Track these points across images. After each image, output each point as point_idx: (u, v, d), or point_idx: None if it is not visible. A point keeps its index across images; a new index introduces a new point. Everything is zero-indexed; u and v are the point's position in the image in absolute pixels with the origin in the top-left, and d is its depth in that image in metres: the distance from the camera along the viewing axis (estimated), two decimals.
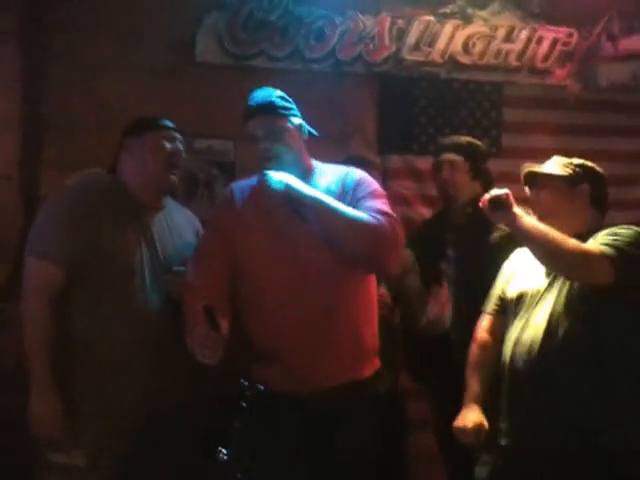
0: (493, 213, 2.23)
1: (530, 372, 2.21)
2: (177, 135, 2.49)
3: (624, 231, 2.22)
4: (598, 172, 2.43)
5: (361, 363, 2.26)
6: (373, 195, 2.25)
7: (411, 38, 3.72)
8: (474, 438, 2.27)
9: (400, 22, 3.70)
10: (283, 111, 2.30)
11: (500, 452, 2.32)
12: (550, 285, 2.27)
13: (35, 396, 2.24)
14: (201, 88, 3.46)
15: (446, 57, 3.78)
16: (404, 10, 3.73)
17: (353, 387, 2.20)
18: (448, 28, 3.76)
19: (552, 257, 2.20)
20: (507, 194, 2.21)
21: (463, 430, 2.28)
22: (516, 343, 2.26)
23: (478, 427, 2.27)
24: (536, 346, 2.19)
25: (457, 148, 2.91)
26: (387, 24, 3.68)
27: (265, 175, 2.19)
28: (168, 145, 2.44)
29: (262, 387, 2.13)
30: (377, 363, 2.33)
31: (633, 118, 4.09)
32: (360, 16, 3.64)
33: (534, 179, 2.38)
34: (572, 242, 2.16)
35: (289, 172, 2.22)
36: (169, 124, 2.50)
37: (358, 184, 2.28)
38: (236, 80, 3.42)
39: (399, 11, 3.72)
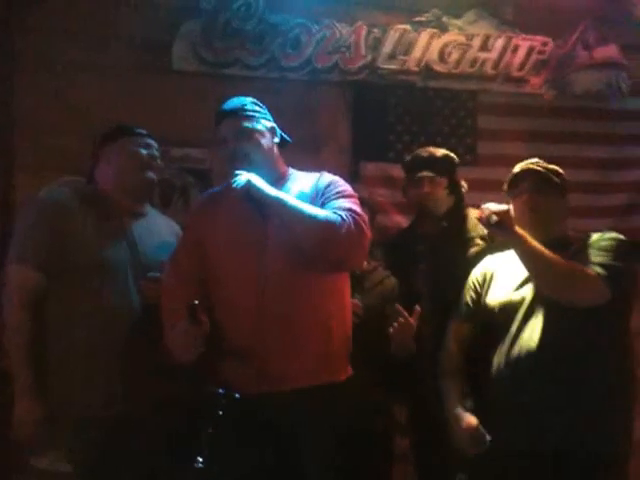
0: (494, 229, 2.25)
1: (528, 385, 2.22)
2: (152, 142, 2.53)
3: (609, 243, 2.25)
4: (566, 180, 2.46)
5: (332, 365, 2.26)
6: (341, 195, 2.25)
7: (387, 47, 3.74)
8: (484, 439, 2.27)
9: (376, 31, 3.73)
10: (253, 113, 2.33)
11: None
12: (536, 295, 2.28)
13: (18, 400, 2.25)
14: (177, 95, 3.46)
15: (422, 66, 3.80)
16: (380, 19, 3.76)
17: (324, 389, 2.19)
18: (424, 37, 3.79)
19: (551, 279, 2.22)
20: (508, 210, 2.22)
21: (477, 430, 2.28)
22: (508, 355, 2.26)
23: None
24: (531, 359, 2.20)
25: (435, 164, 2.89)
26: (363, 33, 3.70)
27: (235, 175, 2.21)
28: (143, 151, 2.48)
29: (237, 395, 2.12)
30: (349, 369, 2.33)
31: (607, 126, 4.14)
32: (336, 25, 3.65)
33: (526, 182, 2.38)
34: (570, 265, 2.18)
35: (259, 174, 2.23)
36: (143, 132, 2.53)
37: (328, 185, 2.29)
38: (212, 88, 3.43)
39: (375, 20, 3.74)
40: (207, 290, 2.27)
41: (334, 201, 2.22)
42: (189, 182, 3.51)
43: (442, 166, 2.90)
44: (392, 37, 3.74)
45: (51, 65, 3.35)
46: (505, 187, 2.45)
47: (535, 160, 2.43)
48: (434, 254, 2.78)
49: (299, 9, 3.61)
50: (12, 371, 2.28)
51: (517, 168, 2.42)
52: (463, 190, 2.96)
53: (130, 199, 2.48)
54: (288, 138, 2.43)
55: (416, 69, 3.80)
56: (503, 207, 2.22)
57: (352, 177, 3.22)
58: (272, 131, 2.36)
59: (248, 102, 2.35)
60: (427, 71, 3.82)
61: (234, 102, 2.35)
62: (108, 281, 2.34)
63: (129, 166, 2.46)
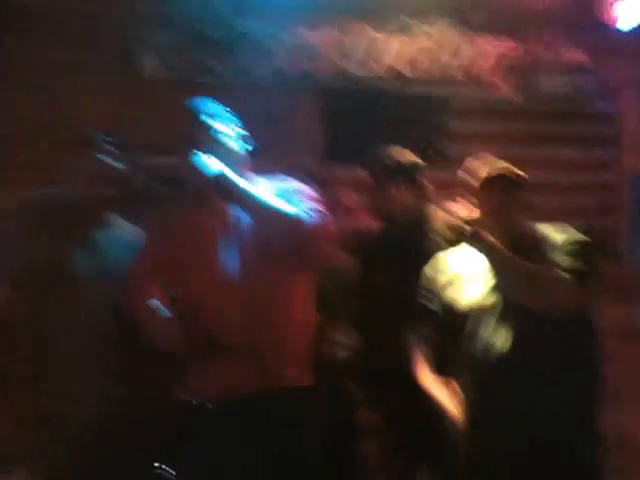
0: (468, 241, 2.28)
1: (500, 389, 2.22)
2: (113, 152, 2.52)
3: (576, 246, 2.26)
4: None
5: (293, 368, 2.26)
6: (306, 198, 2.28)
7: (357, 53, 3.77)
8: None
9: (347, 38, 3.75)
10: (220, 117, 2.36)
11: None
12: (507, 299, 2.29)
13: None
14: (148, 104, 3.45)
15: (392, 72, 3.84)
16: (350, 26, 3.79)
17: (287, 391, 2.20)
18: (394, 43, 3.83)
19: (523, 288, 2.23)
20: (479, 220, 2.26)
21: None
22: (481, 360, 2.26)
23: None
24: (505, 364, 2.21)
25: (404, 171, 2.90)
26: (333, 40, 3.73)
27: (196, 156, 2.18)
28: (99, 166, 2.48)
29: (210, 404, 2.11)
30: (311, 377, 2.33)
31: (576, 127, 4.19)
32: (306, 32, 3.67)
33: (497, 186, 2.38)
34: (542, 273, 2.20)
35: (225, 163, 2.23)
36: (99, 138, 2.52)
37: (295, 190, 2.31)
38: (183, 96, 3.42)
39: (345, 27, 3.77)
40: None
41: (300, 203, 2.24)
42: (162, 191, 3.50)
43: (410, 172, 2.91)
44: (362, 43, 3.77)
45: (24, 76, 3.35)
46: (476, 185, 2.46)
47: (499, 161, 2.43)
48: (401, 257, 2.77)
49: (269, 17, 3.63)
50: None
51: (483, 170, 2.41)
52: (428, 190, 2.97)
53: (92, 210, 2.49)
54: (255, 144, 2.45)
55: (387, 75, 3.84)
56: (473, 214, 2.26)
57: (324, 182, 3.22)
58: (243, 138, 2.39)
59: (214, 108, 2.38)
60: (398, 77, 3.86)
61: (201, 107, 2.37)
62: (76, 293, 2.34)
63: (83, 180, 2.48)
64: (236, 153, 2.34)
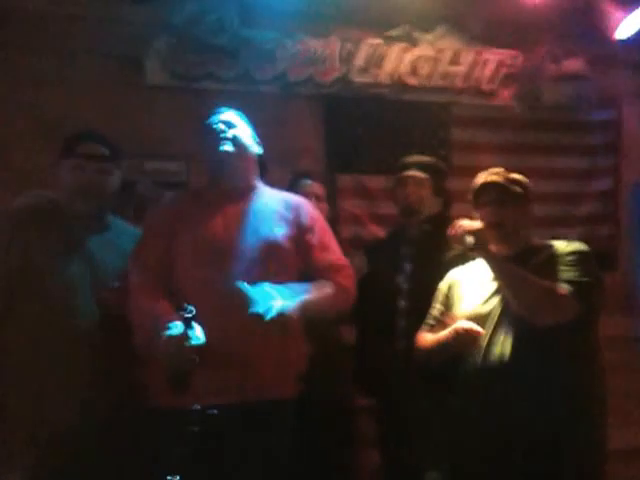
0: (470, 251, 2.29)
1: (497, 398, 2.23)
2: (91, 160, 2.45)
3: (577, 257, 2.27)
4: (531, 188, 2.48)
5: (286, 382, 2.27)
6: (329, 241, 2.40)
7: (359, 60, 3.79)
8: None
9: (349, 45, 3.77)
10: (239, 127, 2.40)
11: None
12: (505, 308, 2.29)
13: None
14: (150, 109, 3.45)
15: (393, 79, 3.86)
16: (353, 33, 3.81)
17: (280, 405, 2.22)
18: (395, 51, 3.84)
19: (526, 300, 2.22)
20: (482, 230, 2.27)
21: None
22: (478, 368, 2.28)
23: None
24: (502, 374, 2.22)
25: (421, 165, 2.95)
26: (336, 47, 3.75)
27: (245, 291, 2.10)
28: (79, 174, 2.42)
29: (215, 411, 2.09)
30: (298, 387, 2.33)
31: (576, 137, 4.21)
32: (309, 39, 3.69)
33: (489, 195, 2.39)
34: (544, 286, 2.19)
35: (230, 178, 2.28)
36: (86, 147, 2.46)
37: (312, 225, 2.39)
38: (185, 102, 3.44)
39: (348, 34, 3.79)
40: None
41: (325, 253, 2.38)
42: (163, 195, 3.50)
43: (427, 167, 2.95)
44: (364, 51, 3.79)
45: (21, 80, 3.34)
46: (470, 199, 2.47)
47: (497, 170, 2.44)
48: (417, 256, 2.81)
49: (272, 23, 3.64)
50: None
51: (479, 180, 2.43)
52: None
53: (77, 219, 2.44)
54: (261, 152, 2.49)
55: (388, 82, 3.86)
56: (476, 225, 2.27)
57: (327, 188, 3.23)
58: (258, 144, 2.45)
59: (233, 117, 2.42)
60: (399, 84, 3.88)
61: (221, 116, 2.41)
62: (65, 298, 2.30)
63: (67, 188, 2.44)
64: (252, 160, 2.38)
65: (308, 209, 2.43)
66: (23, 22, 3.35)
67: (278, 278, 2.18)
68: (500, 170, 2.44)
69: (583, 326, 2.24)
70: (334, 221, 3.62)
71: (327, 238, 2.42)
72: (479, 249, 2.27)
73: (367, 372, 2.86)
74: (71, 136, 2.49)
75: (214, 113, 2.40)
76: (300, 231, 2.35)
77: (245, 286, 2.06)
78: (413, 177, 2.92)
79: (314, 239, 2.36)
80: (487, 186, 2.40)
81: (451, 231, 2.31)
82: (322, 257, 2.35)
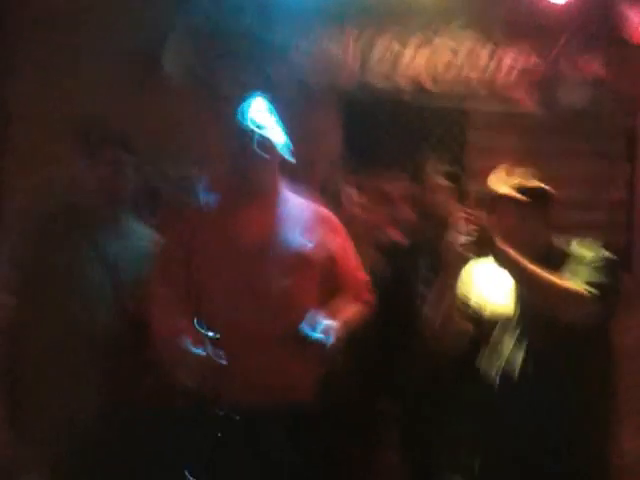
0: (478, 248, 2.27)
1: (517, 399, 2.23)
2: (124, 158, 2.47)
3: (601, 262, 2.27)
4: (551, 192, 2.46)
5: (309, 384, 2.30)
6: (351, 256, 2.45)
7: (377, 63, 3.79)
8: None
9: (366, 48, 3.77)
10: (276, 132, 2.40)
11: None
12: (525, 308, 2.30)
13: None
14: (169, 113, 3.46)
15: (411, 82, 3.85)
16: (370, 36, 3.80)
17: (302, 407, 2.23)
18: (416, 56, 3.84)
19: (541, 295, 2.22)
20: (484, 229, 2.26)
21: None
22: (499, 369, 2.28)
23: None
24: (522, 376, 2.23)
25: (448, 174, 2.97)
26: (353, 49, 3.75)
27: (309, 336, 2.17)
28: (112, 174, 2.44)
29: (237, 417, 2.10)
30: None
31: (593, 142, 4.19)
32: (326, 42, 3.70)
33: (504, 206, 2.38)
34: (561, 283, 2.18)
35: (259, 188, 2.29)
36: (104, 145, 2.47)
37: (337, 241, 2.42)
38: (205, 106, 3.45)
39: (365, 37, 3.78)
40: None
41: (353, 273, 2.44)
42: (179, 194, 3.51)
43: (454, 176, 2.99)
44: (382, 54, 3.79)
45: (44, 74, 3.36)
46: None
47: (515, 179, 2.42)
48: (438, 263, 2.76)
49: (293, 28, 3.65)
50: None
51: (497, 186, 2.42)
52: None
53: (98, 214, 2.46)
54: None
55: (405, 85, 3.85)
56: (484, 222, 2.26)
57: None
58: (288, 149, 2.42)
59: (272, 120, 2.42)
60: (416, 87, 3.87)
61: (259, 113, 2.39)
62: (83, 301, 2.32)
63: (91, 194, 2.45)
64: (278, 162, 2.38)
65: (335, 224, 2.44)
66: (43, 17, 3.38)
67: (302, 289, 2.20)
68: (518, 178, 2.42)
69: (601, 331, 2.25)
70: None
71: (350, 253, 2.45)
72: (488, 246, 2.25)
73: (393, 383, 2.85)
74: (95, 138, 2.49)
75: (244, 103, 2.36)
76: (326, 246, 2.36)
77: (308, 331, 2.13)
78: (438, 184, 2.92)
79: (339, 255, 2.39)
80: (500, 197, 2.39)
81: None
82: (345, 272, 2.39)
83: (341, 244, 2.42)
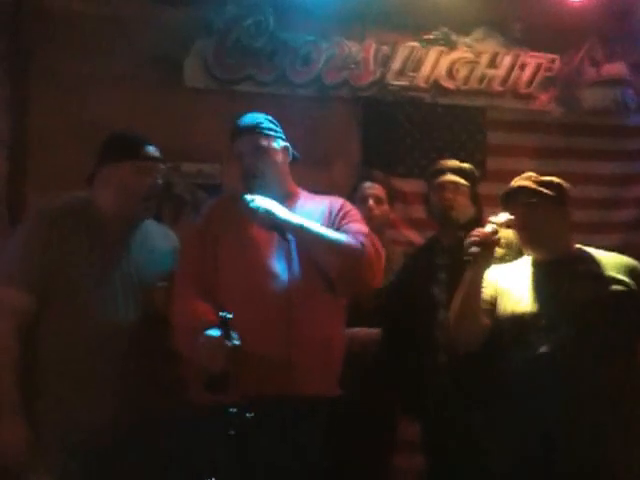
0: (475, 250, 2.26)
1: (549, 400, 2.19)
2: (156, 163, 2.42)
3: (629, 268, 2.27)
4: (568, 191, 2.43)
5: (332, 379, 2.27)
6: (353, 219, 2.31)
7: (396, 63, 3.79)
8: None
9: (385, 48, 3.78)
10: (270, 132, 2.36)
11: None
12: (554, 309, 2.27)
13: (5, 425, 2.17)
14: (189, 111, 3.49)
15: (430, 82, 3.85)
16: (389, 36, 3.80)
17: (315, 402, 2.20)
18: (432, 54, 3.84)
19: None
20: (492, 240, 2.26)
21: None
22: (529, 370, 2.24)
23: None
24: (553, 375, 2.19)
25: (460, 171, 2.88)
26: (372, 50, 3.75)
27: (244, 199, 2.22)
28: (147, 179, 2.38)
29: (250, 414, 2.10)
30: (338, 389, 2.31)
31: (615, 142, 4.15)
32: (346, 42, 3.70)
33: (516, 199, 2.37)
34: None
35: (271, 192, 2.27)
36: (149, 149, 2.40)
37: (340, 209, 2.34)
38: (223, 104, 3.47)
39: (384, 37, 3.79)
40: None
41: (347, 225, 2.27)
42: (200, 197, 3.53)
43: (465, 174, 2.89)
44: (401, 54, 3.79)
45: (64, 82, 3.39)
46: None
47: (527, 175, 2.41)
48: (453, 265, 2.68)
49: (309, 27, 3.65)
50: None
51: (509, 186, 2.40)
52: None
53: (122, 223, 2.40)
54: (297, 155, 2.45)
55: (425, 85, 3.85)
56: (487, 231, 2.26)
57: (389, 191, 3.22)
58: (285, 150, 2.39)
59: (264, 119, 2.38)
60: (436, 87, 3.87)
61: (250, 118, 2.38)
62: (99, 300, 2.30)
63: (128, 193, 2.35)
64: (282, 167, 2.37)
65: (342, 202, 2.39)
66: (62, 23, 3.40)
67: (324, 288, 2.21)
68: (531, 174, 2.41)
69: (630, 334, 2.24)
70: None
71: (357, 216, 2.35)
72: (471, 259, 2.26)
73: (408, 388, 2.81)
74: (128, 138, 2.44)
75: (240, 126, 2.37)
76: (335, 219, 2.31)
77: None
78: (452, 182, 2.84)
79: (343, 216, 2.32)
80: (514, 191, 2.37)
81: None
82: (350, 226, 2.28)
83: (346, 210, 2.35)
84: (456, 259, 2.59)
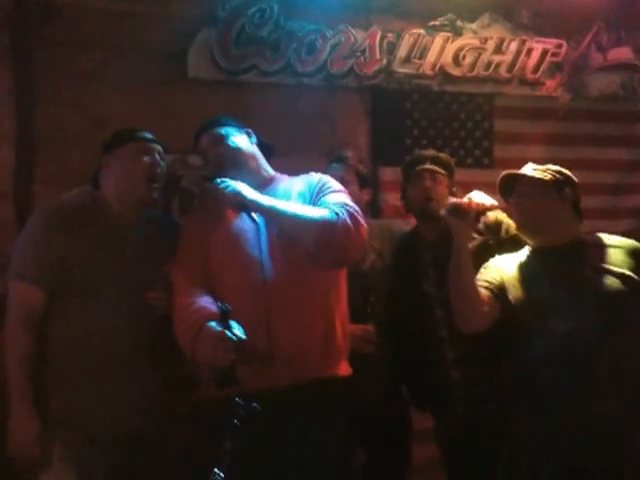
0: (453, 219, 2.26)
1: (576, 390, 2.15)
2: (155, 147, 2.45)
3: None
4: (573, 178, 2.40)
5: (332, 361, 2.26)
6: (331, 190, 2.33)
7: (402, 51, 3.76)
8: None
9: (390, 35, 3.75)
10: (225, 125, 2.46)
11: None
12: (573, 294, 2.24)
13: (13, 414, 2.20)
14: (194, 103, 3.46)
15: (437, 69, 3.83)
16: (394, 24, 3.78)
17: (326, 384, 2.20)
18: (438, 41, 3.81)
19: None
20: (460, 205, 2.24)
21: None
22: (548, 356, 2.20)
23: None
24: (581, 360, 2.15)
25: (438, 161, 2.81)
26: (378, 37, 3.72)
27: (215, 182, 2.28)
28: (145, 158, 2.40)
29: (256, 405, 2.10)
30: (348, 368, 2.32)
31: (622, 128, 4.14)
32: (351, 30, 3.67)
33: (513, 186, 2.34)
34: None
35: (243, 176, 2.31)
36: (147, 136, 2.46)
37: (317, 182, 2.36)
38: (229, 95, 3.46)
39: (389, 25, 3.76)
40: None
41: (325, 197, 2.29)
42: (208, 189, 3.51)
43: (443, 163, 2.82)
44: (407, 41, 3.76)
45: (70, 76, 3.36)
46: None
47: (527, 165, 2.39)
48: (439, 258, 2.61)
49: (314, 15, 3.62)
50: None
51: (503, 173, 2.38)
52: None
53: (129, 208, 2.41)
54: (266, 141, 2.51)
55: (431, 73, 3.82)
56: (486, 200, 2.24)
57: (371, 182, 3.20)
58: (248, 135, 2.47)
59: (218, 117, 2.50)
60: (442, 75, 3.85)
61: (205, 121, 2.49)
62: (107, 297, 2.30)
63: (130, 172, 2.38)
64: (248, 150, 2.42)
65: (319, 177, 2.41)
66: (71, 19, 3.36)
67: (304, 269, 2.21)
68: (530, 164, 2.39)
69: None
70: (377, 214, 3.64)
71: (335, 187, 2.35)
72: (460, 217, 2.24)
73: (418, 388, 2.81)
74: (123, 129, 2.48)
75: (197, 130, 2.47)
76: (313, 192, 2.33)
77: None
78: (430, 171, 2.77)
79: (321, 189, 2.33)
80: (509, 178, 2.36)
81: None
82: (328, 198, 2.28)
83: (327, 183, 2.37)
84: (441, 253, 2.55)
